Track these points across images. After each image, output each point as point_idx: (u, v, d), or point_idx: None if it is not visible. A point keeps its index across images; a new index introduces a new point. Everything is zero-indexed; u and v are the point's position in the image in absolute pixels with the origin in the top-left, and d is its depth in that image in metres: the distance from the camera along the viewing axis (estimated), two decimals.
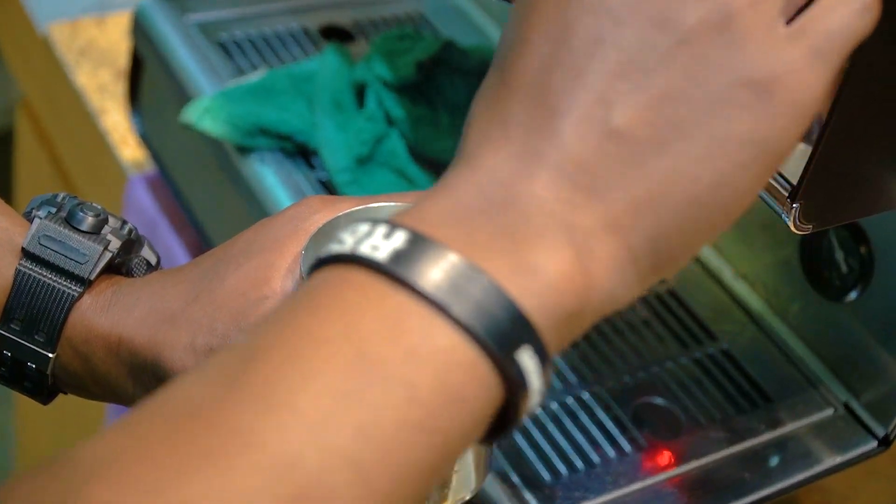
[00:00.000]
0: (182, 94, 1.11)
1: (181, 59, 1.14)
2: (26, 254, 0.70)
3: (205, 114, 1.05)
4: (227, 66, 1.14)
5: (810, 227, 0.70)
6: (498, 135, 0.54)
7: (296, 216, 0.70)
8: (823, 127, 0.66)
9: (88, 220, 0.71)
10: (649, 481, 0.90)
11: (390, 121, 1.06)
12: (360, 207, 0.71)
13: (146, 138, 1.21)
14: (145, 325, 0.69)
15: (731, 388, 0.98)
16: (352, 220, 0.70)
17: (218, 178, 1.10)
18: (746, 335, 1.02)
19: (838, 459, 0.95)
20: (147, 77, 1.19)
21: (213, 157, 1.09)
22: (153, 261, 0.75)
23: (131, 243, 0.73)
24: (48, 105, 1.46)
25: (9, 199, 0.74)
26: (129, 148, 1.27)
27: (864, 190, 0.71)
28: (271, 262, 0.68)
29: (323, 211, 0.70)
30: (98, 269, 0.70)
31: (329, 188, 1.04)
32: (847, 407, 0.98)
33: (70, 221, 0.71)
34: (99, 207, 0.72)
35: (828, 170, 0.68)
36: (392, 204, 0.72)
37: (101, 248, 0.70)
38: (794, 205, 0.69)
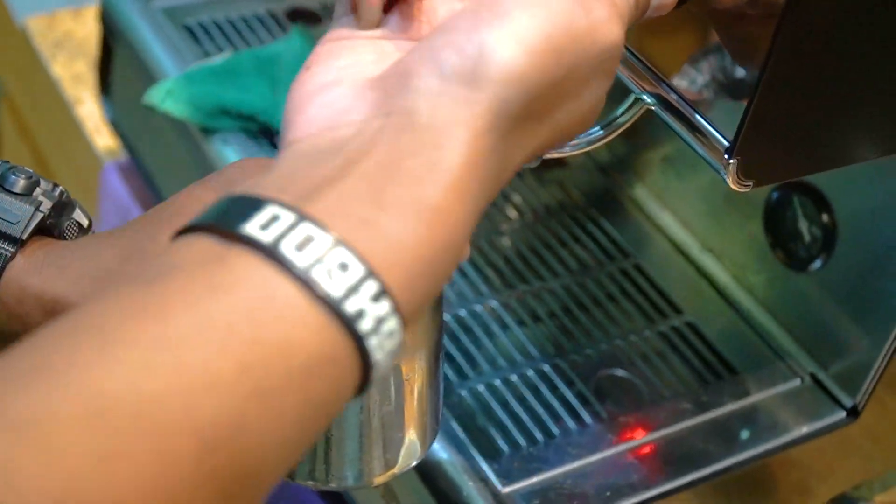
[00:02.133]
0: (149, 79, 1.11)
1: (148, 43, 1.14)
2: None
3: (168, 95, 1.05)
4: (193, 50, 1.14)
5: (751, 183, 0.70)
6: None
7: (230, 179, 0.71)
8: (757, 81, 0.65)
9: (20, 183, 0.71)
10: (610, 452, 0.89)
11: None
12: None
13: (117, 124, 1.21)
14: (80, 285, 0.69)
15: (696, 360, 0.97)
16: None
17: (184, 160, 1.09)
18: (712, 308, 1.02)
19: (805, 429, 0.95)
20: (116, 63, 1.19)
21: (178, 140, 1.09)
22: (85, 223, 0.75)
23: (63, 205, 0.73)
24: (27, 96, 1.47)
25: None
26: (103, 136, 1.27)
27: (806, 146, 0.71)
28: None
29: (257, 175, 0.70)
30: (30, 229, 0.70)
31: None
32: (814, 377, 0.97)
33: (2, 184, 0.71)
34: (31, 171, 0.72)
35: (764, 125, 0.67)
36: None
37: (33, 209, 0.70)
38: (731, 161, 0.68)
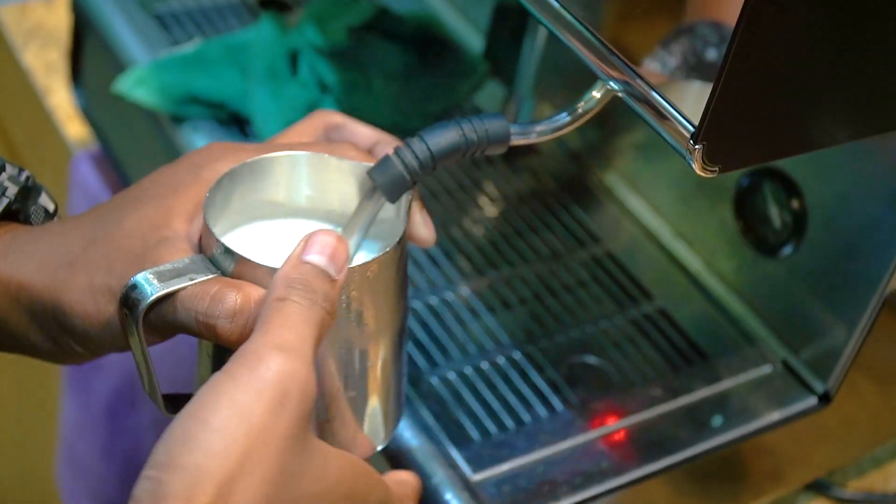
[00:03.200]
0: (120, 68, 1.11)
1: (118, 32, 1.13)
2: None
3: (137, 83, 1.04)
4: (164, 38, 1.13)
5: (717, 169, 0.70)
6: None
7: (197, 163, 0.71)
8: (722, 66, 0.65)
9: None
10: (580, 439, 0.89)
11: (324, 87, 1.05)
12: (261, 157, 0.71)
13: (88, 113, 1.20)
14: (44, 270, 0.68)
15: (667, 346, 0.97)
16: (250, 169, 0.70)
17: (154, 149, 1.09)
18: (683, 294, 1.02)
19: (777, 416, 0.95)
20: (87, 52, 1.19)
21: (148, 129, 1.09)
22: (51, 208, 0.74)
23: (28, 190, 0.73)
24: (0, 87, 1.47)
25: None
26: (74, 125, 1.26)
27: (772, 131, 0.71)
28: (170, 205, 0.68)
29: (224, 159, 0.70)
30: None
31: None
32: (786, 364, 0.97)
33: None
34: None
35: (729, 110, 0.67)
36: (286, 154, 0.72)
37: None
38: (697, 146, 0.68)
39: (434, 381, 0.91)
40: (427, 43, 1.09)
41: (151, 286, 0.63)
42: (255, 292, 0.64)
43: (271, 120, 1.02)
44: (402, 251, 0.69)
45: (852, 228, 0.91)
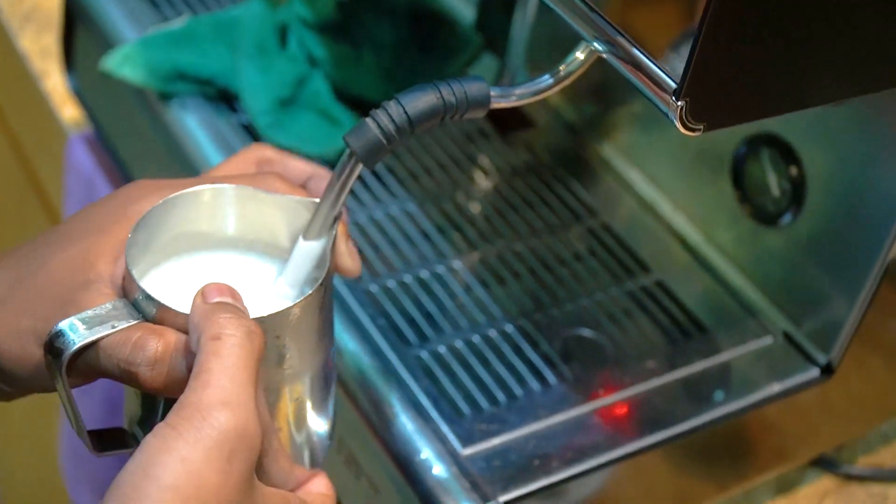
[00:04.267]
0: (110, 48, 1.09)
1: (109, 13, 1.12)
2: None
3: (124, 61, 1.03)
4: (153, 16, 1.12)
5: (700, 127, 0.68)
6: None
7: (122, 202, 0.70)
8: (703, 16, 0.63)
9: None
10: (574, 413, 0.87)
11: (313, 62, 1.03)
12: (183, 192, 0.70)
13: (81, 95, 1.19)
14: None
15: (665, 319, 0.95)
16: (173, 205, 0.70)
17: (145, 129, 1.07)
18: (681, 266, 1.00)
19: (778, 388, 0.93)
20: (79, 33, 1.17)
21: (139, 109, 1.07)
22: None
23: None
24: None
25: None
26: (69, 108, 1.25)
27: (757, 88, 0.69)
28: (94, 248, 0.68)
29: (148, 197, 0.70)
30: None
31: (251, 132, 1.02)
32: (787, 335, 0.95)
33: None
34: None
35: (712, 63, 0.65)
36: (212, 186, 0.71)
37: None
38: (679, 103, 0.66)
39: (423, 355, 0.89)
40: (419, 16, 1.07)
41: (76, 334, 0.64)
42: (176, 338, 0.64)
43: (260, 95, 1.01)
44: (326, 290, 0.69)
45: (852, 195, 0.89)
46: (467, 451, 0.84)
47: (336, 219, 0.71)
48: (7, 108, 1.46)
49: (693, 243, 1.00)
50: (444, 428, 0.85)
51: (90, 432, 0.71)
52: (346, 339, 0.88)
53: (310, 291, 0.67)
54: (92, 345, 0.65)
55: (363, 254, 0.95)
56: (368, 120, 0.68)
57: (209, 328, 0.62)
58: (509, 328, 0.92)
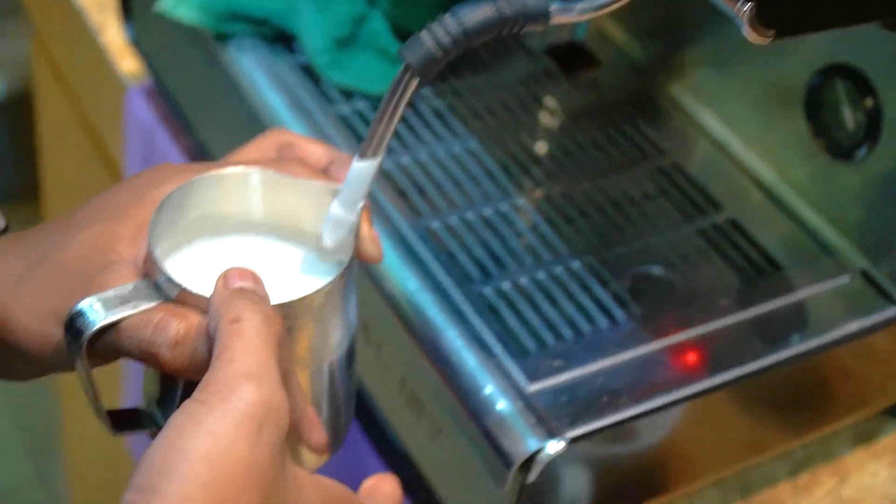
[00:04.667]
0: None
1: None
2: None
3: (179, 1, 1.01)
4: None
5: (770, 34, 0.65)
6: None
7: (143, 184, 0.69)
8: None
9: None
10: (643, 350, 0.85)
11: (371, 0, 1.01)
12: (207, 174, 0.69)
13: (139, 45, 1.17)
14: None
15: (738, 257, 0.92)
16: (197, 187, 0.69)
17: (202, 73, 1.06)
18: (754, 204, 0.96)
19: (855, 327, 0.89)
20: None
21: (195, 53, 1.06)
22: (1, 226, 0.73)
23: None
24: (53, 25, 1.45)
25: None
26: (127, 60, 1.23)
27: None
28: (115, 229, 0.67)
29: (171, 180, 0.69)
30: None
31: (310, 72, 1.00)
32: (865, 274, 0.92)
33: None
34: None
35: None
36: (236, 170, 0.69)
37: None
38: (746, 7, 0.63)
39: (487, 292, 0.86)
40: None
41: (96, 314, 0.63)
42: (199, 320, 0.63)
43: (317, 35, 0.98)
44: (350, 276, 0.68)
45: None
46: (533, 387, 0.81)
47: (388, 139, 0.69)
48: (65, 64, 1.45)
49: (766, 181, 0.97)
50: (509, 364, 0.82)
51: (109, 412, 0.70)
52: (406, 276, 0.86)
53: (332, 278, 0.65)
54: (112, 325, 0.63)
55: (424, 191, 0.92)
56: (423, 33, 0.66)
57: (228, 312, 0.61)
58: (576, 265, 0.89)
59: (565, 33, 1.06)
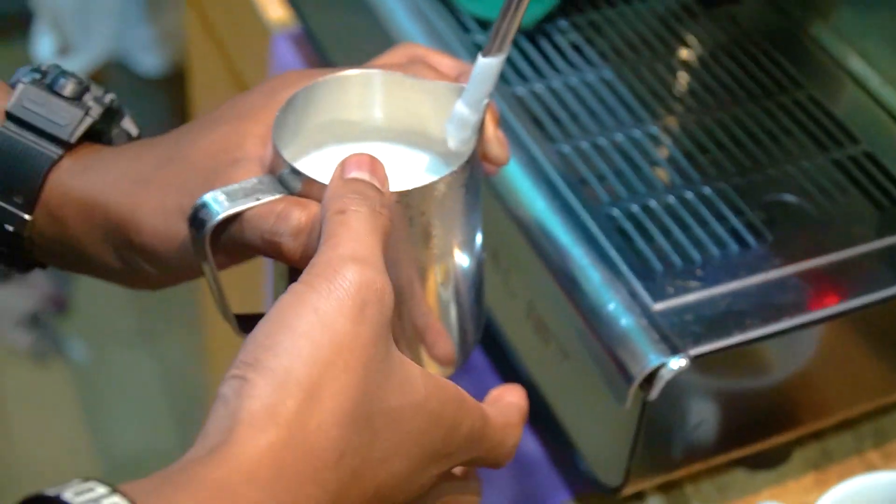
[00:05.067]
0: None
1: None
2: (9, 116, 0.70)
3: None
4: None
5: None
6: None
7: (273, 87, 0.71)
8: None
9: (70, 87, 0.72)
10: (773, 274, 0.84)
11: None
12: (331, 76, 0.70)
13: None
14: (118, 189, 0.69)
15: (873, 188, 0.90)
16: (321, 89, 0.70)
17: (355, 24, 1.07)
18: (892, 138, 0.95)
19: None
20: None
21: (348, 2, 1.07)
22: (134, 133, 0.76)
23: (112, 112, 0.74)
24: None
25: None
26: (274, 8, 1.26)
27: None
28: (244, 128, 0.69)
29: (298, 84, 0.70)
30: (78, 133, 0.71)
31: (448, 4, 1.00)
32: None
33: (53, 87, 0.72)
34: (81, 76, 0.73)
35: None
36: (359, 71, 0.70)
37: (82, 113, 0.71)
38: None
39: (615, 213, 0.86)
40: None
41: (219, 205, 0.64)
42: (319, 210, 0.64)
43: None
44: (474, 169, 0.68)
45: None
46: (658, 306, 0.81)
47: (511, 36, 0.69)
48: (210, 10, 1.48)
49: None
50: (635, 283, 0.82)
51: (236, 315, 0.71)
52: (535, 197, 0.86)
53: (454, 168, 0.66)
54: (236, 217, 0.65)
55: (557, 118, 0.92)
56: None
57: (336, 203, 0.62)
58: (708, 191, 0.88)
59: None
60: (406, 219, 0.65)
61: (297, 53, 1.21)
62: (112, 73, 2.50)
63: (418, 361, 0.70)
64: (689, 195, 0.88)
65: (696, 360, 0.78)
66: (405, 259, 0.67)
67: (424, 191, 0.65)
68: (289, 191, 0.65)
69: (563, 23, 1.00)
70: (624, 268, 0.83)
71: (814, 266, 0.84)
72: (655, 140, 0.92)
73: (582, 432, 0.86)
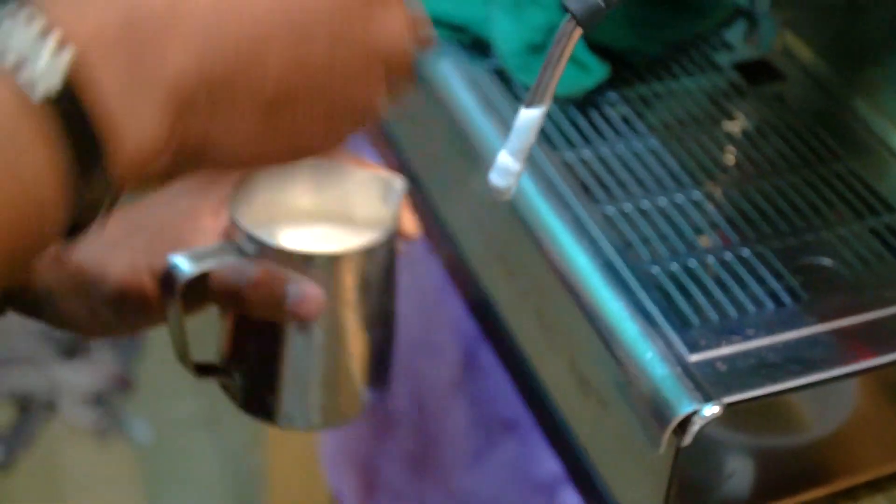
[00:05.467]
0: None
1: None
2: None
3: None
4: None
5: None
6: None
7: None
8: None
9: None
10: (806, 331, 0.86)
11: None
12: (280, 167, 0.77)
13: None
14: (91, 249, 0.78)
15: None
16: (275, 173, 0.80)
17: None
18: None
19: None
20: None
21: None
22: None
23: None
24: None
25: None
26: None
27: None
28: (199, 203, 0.80)
29: None
30: None
31: (502, 76, 1.05)
32: None
33: None
34: None
35: None
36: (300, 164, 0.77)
37: None
38: None
39: (656, 270, 0.89)
40: None
41: (190, 265, 0.74)
42: (274, 268, 0.75)
43: (511, 40, 1.04)
44: (390, 246, 0.78)
45: None
46: (693, 357, 0.84)
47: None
48: None
49: None
50: (672, 335, 0.85)
51: (195, 363, 0.81)
52: (576, 252, 0.90)
53: (379, 237, 0.77)
54: (202, 276, 0.75)
55: (602, 181, 0.96)
56: None
57: None
58: (746, 253, 0.92)
59: (753, 50, 1.09)
60: (333, 279, 0.76)
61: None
62: None
63: (327, 401, 0.82)
64: (729, 256, 0.91)
65: (728, 409, 0.81)
66: (330, 310, 0.77)
67: (354, 254, 0.76)
68: (245, 254, 0.75)
69: (612, 95, 1.04)
70: (661, 321, 0.86)
71: (847, 325, 0.87)
72: (698, 205, 0.95)
73: (619, 481, 0.89)
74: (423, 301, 1.12)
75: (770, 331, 0.86)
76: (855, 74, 1.06)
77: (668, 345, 0.84)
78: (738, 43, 1.11)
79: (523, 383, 0.98)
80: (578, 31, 0.71)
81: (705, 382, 0.82)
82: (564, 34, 0.71)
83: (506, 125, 1.00)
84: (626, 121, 1.03)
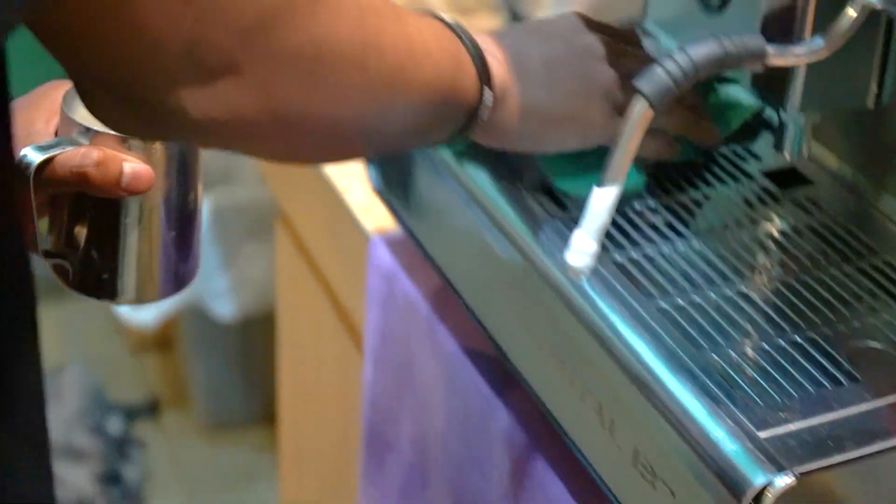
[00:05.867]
0: None
1: None
2: None
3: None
4: None
5: None
6: None
7: (44, 90, 0.99)
8: None
9: None
10: (865, 407, 0.90)
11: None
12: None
13: (382, 193, 1.27)
14: None
15: None
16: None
17: (457, 225, 1.14)
18: None
19: None
20: None
21: (449, 202, 1.15)
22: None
23: None
24: (299, 202, 1.57)
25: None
26: (369, 217, 1.35)
27: None
28: (33, 114, 0.97)
29: (63, 85, 0.97)
30: None
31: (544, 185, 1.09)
32: None
33: None
34: None
35: None
36: None
37: None
38: None
39: (715, 359, 0.93)
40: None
41: (36, 154, 0.91)
42: (112, 151, 0.92)
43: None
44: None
45: None
46: (763, 434, 0.86)
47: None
48: (301, 224, 1.58)
49: None
50: (739, 414, 0.88)
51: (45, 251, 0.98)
52: (638, 344, 0.93)
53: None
54: (49, 161, 0.91)
55: (652, 279, 1.00)
56: (657, 67, 0.75)
57: None
58: (798, 338, 0.95)
59: (780, 159, 1.14)
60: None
61: (393, 253, 1.28)
62: (186, 318, 2.59)
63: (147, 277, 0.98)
64: (781, 342, 0.95)
65: (802, 479, 0.83)
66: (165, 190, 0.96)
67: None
68: (80, 144, 0.92)
69: (651, 202, 1.09)
70: (727, 402, 0.89)
71: None
72: (746, 297, 0.99)
73: None
74: (468, 417, 1.14)
75: (830, 408, 0.89)
76: (881, 177, 1.11)
77: (737, 423, 0.87)
78: (765, 153, 1.15)
79: (582, 488, 1.01)
80: (650, 112, 0.75)
81: (777, 455, 0.84)
82: (635, 116, 0.75)
83: (547, 231, 1.04)
84: (669, 226, 1.07)
